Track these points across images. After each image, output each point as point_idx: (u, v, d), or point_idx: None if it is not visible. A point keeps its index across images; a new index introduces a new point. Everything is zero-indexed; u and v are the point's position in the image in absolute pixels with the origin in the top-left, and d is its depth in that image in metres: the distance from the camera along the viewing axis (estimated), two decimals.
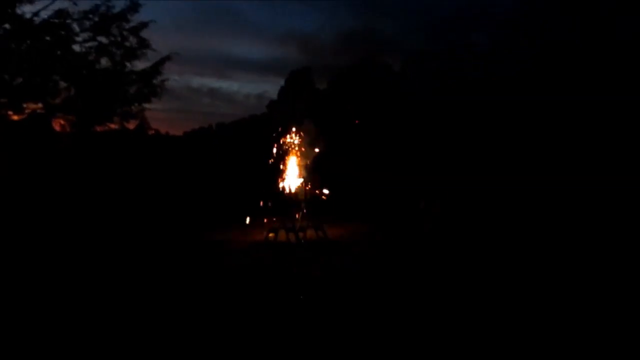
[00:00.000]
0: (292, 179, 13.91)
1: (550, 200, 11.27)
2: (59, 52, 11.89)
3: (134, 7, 12.54)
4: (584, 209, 10.49)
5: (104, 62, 12.57)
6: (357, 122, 16.32)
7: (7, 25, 11.37)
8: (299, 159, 13.92)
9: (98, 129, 13.03)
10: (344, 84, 20.16)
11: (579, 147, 11.72)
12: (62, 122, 12.66)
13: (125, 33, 12.63)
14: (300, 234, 11.93)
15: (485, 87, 12.75)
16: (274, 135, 14.70)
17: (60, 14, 11.47)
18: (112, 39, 12.54)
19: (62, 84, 12.28)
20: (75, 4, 11.54)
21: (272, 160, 14.21)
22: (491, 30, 14.10)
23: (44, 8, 11.40)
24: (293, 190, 13.62)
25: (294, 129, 14.25)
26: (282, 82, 20.99)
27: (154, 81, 12.82)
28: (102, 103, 12.55)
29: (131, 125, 13.12)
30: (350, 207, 14.27)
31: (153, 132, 16.78)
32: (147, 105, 13.06)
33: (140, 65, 12.88)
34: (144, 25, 12.75)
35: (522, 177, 12.03)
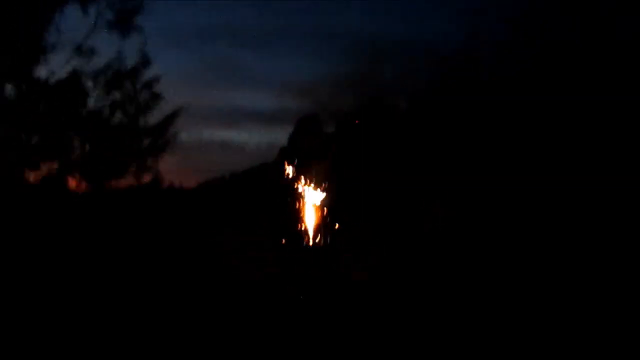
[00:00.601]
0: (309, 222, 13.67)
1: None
2: (73, 110, 12.04)
3: (145, 63, 12.78)
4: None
5: (118, 117, 12.73)
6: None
7: (23, 86, 11.60)
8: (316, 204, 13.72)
9: (113, 184, 13.01)
10: (351, 126, 20.18)
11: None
12: (76, 180, 12.70)
13: (137, 88, 12.84)
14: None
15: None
16: (286, 180, 14.57)
17: (75, 73, 11.70)
18: (125, 94, 12.73)
19: (77, 141, 12.41)
20: (89, 60, 11.79)
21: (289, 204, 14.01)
22: (492, 62, 14.11)
23: (59, 68, 11.66)
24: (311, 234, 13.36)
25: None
26: (290, 129, 21.12)
27: (167, 133, 12.90)
28: (117, 158, 12.60)
29: (147, 178, 13.09)
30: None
31: (166, 185, 16.77)
32: (160, 158, 13.06)
33: (151, 119, 13.02)
34: (155, 80, 12.97)
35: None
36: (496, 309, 6.45)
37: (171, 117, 12.85)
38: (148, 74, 12.80)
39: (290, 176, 15.77)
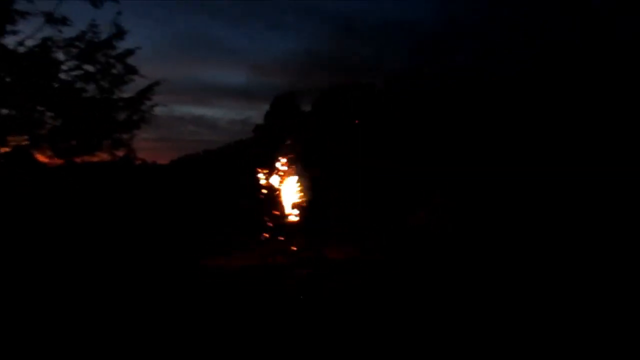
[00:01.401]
0: (288, 202, 13.59)
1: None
2: (44, 82, 11.45)
3: (119, 34, 12.23)
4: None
5: (91, 90, 12.18)
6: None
7: None
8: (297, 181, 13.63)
9: (87, 159, 12.53)
10: (328, 104, 20.03)
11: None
12: (48, 153, 12.15)
13: (111, 60, 12.29)
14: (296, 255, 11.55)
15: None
16: (266, 158, 14.40)
17: (45, 42, 11.09)
18: (99, 66, 12.17)
19: (48, 115, 11.84)
20: (60, 31, 11.16)
21: (267, 183, 13.85)
22: (475, 47, 14.17)
23: (29, 37, 11.02)
24: (290, 212, 13.30)
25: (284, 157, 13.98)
26: (265, 107, 20.83)
27: (142, 107, 12.44)
28: (90, 132, 12.10)
29: (121, 153, 12.64)
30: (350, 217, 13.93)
31: (140, 161, 16.31)
32: (135, 132, 12.62)
33: (126, 93, 12.52)
34: (130, 52, 12.43)
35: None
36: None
37: (146, 91, 12.39)
38: (122, 46, 12.29)
39: (267, 154, 15.63)
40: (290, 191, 13.77)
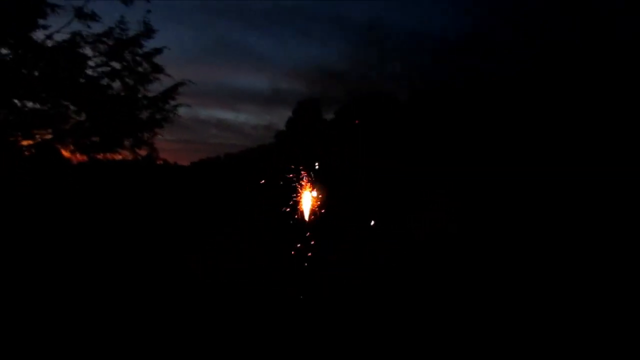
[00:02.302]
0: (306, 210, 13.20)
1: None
2: (71, 77, 11.36)
3: (148, 33, 12.11)
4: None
5: (116, 87, 12.06)
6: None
7: (19, 50, 10.90)
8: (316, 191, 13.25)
9: (109, 156, 12.38)
10: (351, 114, 19.71)
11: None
12: (71, 148, 12.04)
13: (138, 59, 12.16)
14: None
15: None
16: (288, 166, 14.04)
17: (74, 37, 11.00)
18: (125, 64, 12.06)
19: (72, 109, 11.74)
20: (89, 27, 11.07)
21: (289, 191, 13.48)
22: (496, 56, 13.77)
23: (57, 32, 10.95)
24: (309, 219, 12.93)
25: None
26: (288, 113, 20.62)
27: (167, 107, 12.26)
28: (113, 129, 11.96)
29: (142, 152, 12.46)
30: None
31: (161, 162, 16.18)
32: (158, 131, 12.44)
33: (151, 91, 12.36)
34: (157, 51, 12.29)
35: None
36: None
37: (171, 91, 12.22)
38: (150, 45, 12.17)
39: (290, 161, 15.31)
40: (309, 198, 13.36)
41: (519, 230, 10.29)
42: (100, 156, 12.52)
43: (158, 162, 15.51)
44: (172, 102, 12.18)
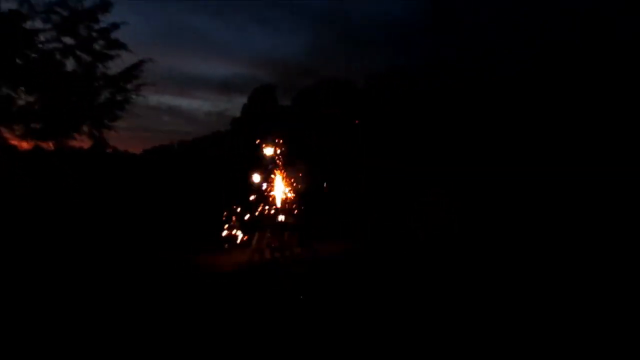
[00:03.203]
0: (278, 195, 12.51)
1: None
2: (17, 52, 9.85)
3: (104, 6, 10.77)
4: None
5: (70, 65, 10.66)
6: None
7: None
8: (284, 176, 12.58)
9: (63, 143, 10.95)
10: (308, 101, 19.17)
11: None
12: (18, 133, 10.50)
13: (94, 34, 10.81)
14: (286, 252, 10.45)
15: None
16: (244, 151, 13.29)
17: (22, 5, 9.52)
18: (80, 40, 10.67)
19: (20, 90, 10.22)
20: None
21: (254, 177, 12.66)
22: (459, 44, 13.81)
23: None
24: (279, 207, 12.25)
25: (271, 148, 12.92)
26: (242, 100, 19.73)
27: (128, 87, 11.01)
28: (69, 112, 10.56)
29: (105, 136, 11.14)
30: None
31: (111, 150, 14.74)
32: (119, 114, 11.17)
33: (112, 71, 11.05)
34: (114, 26, 10.98)
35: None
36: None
37: (134, 69, 10.97)
38: (106, 20, 10.84)
39: (245, 148, 14.64)
40: (280, 186, 12.68)
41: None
42: (50, 143, 11.06)
43: (108, 150, 14.12)
44: (135, 82, 10.93)
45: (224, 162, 16.91)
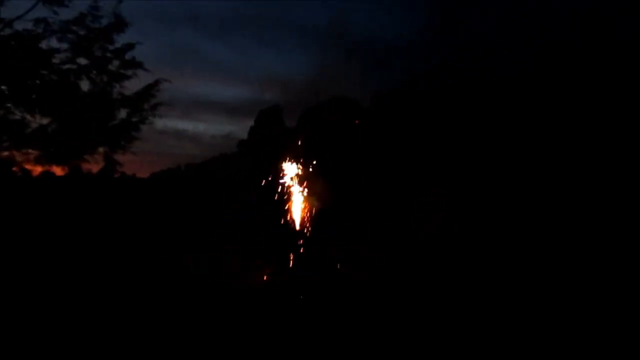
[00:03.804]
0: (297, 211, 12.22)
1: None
2: (33, 72, 9.42)
3: (119, 26, 10.42)
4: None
5: (85, 86, 10.24)
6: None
7: None
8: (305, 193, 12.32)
9: (80, 165, 10.45)
10: (314, 120, 18.97)
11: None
12: (33, 157, 9.99)
13: (109, 55, 10.43)
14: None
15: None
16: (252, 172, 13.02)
17: (38, 24, 9.12)
18: (94, 60, 10.28)
19: (34, 111, 9.75)
20: (56, 12, 9.24)
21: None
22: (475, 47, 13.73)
23: (18, 17, 9.03)
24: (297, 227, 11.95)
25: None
26: (248, 122, 19.45)
27: (145, 106, 10.59)
28: (85, 134, 10.09)
29: (119, 158, 10.66)
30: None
31: (119, 174, 14.25)
32: (135, 135, 10.72)
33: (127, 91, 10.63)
34: (130, 46, 10.61)
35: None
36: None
37: (150, 88, 10.57)
38: (122, 39, 10.47)
39: (253, 170, 14.37)
40: (298, 200, 12.38)
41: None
42: (63, 167, 10.55)
43: (116, 175, 13.62)
44: (152, 101, 10.53)
45: (233, 184, 16.49)
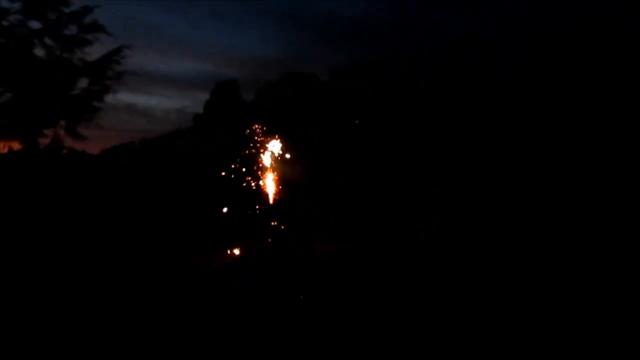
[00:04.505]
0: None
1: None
2: None
3: None
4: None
5: (39, 53, 9.30)
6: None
7: None
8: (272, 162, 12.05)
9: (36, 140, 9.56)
10: (274, 94, 18.61)
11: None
12: None
13: (64, 18, 9.52)
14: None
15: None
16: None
17: None
18: (48, 23, 9.35)
19: None
20: None
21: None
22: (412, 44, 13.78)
23: None
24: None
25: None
26: (201, 97, 18.68)
27: (109, 74, 9.82)
28: (42, 104, 9.22)
29: (84, 131, 9.85)
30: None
31: (66, 151, 13.26)
32: (99, 105, 9.95)
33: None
34: (87, 10, 9.71)
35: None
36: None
37: (114, 54, 9.78)
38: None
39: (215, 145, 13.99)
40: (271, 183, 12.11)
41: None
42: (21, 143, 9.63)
43: (64, 151, 12.67)
44: (116, 68, 9.77)
45: (195, 159, 15.88)
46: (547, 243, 9.08)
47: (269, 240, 10.80)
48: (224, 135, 15.61)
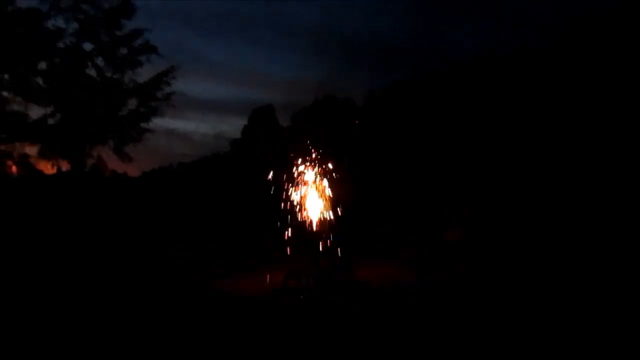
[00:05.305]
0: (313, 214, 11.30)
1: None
2: (36, 55, 8.22)
3: (126, 10, 9.30)
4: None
5: (90, 73, 9.09)
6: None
7: None
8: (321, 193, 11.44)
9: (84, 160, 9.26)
10: (308, 119, 18.35)
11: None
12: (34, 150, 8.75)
13: (116, 41, 9.32)
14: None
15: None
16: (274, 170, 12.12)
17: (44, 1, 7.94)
18: (101, 45, 9.16)
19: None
20: None
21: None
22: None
23: None
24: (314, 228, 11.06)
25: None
26: (238, 121, 18.50)
27: (158, 95, 9.54)
28: (92, 124, 8.95)
29: (131, 151, 9.54)
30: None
31: (109, 173, 13.05)
32: (145, 126, 9.64)
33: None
34: (138, 33, 9.50)
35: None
36: None
37: (165, 75, 9.51)
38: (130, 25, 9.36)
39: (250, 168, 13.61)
40: (314, 204, 11.47)
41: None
42: (68, 162, 9.34)
43: (107, 174, 12.44)
44: (166, 89, 9.49)
45: (222, 185, 15.58)
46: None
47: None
48: (262, 162, 15.08)
